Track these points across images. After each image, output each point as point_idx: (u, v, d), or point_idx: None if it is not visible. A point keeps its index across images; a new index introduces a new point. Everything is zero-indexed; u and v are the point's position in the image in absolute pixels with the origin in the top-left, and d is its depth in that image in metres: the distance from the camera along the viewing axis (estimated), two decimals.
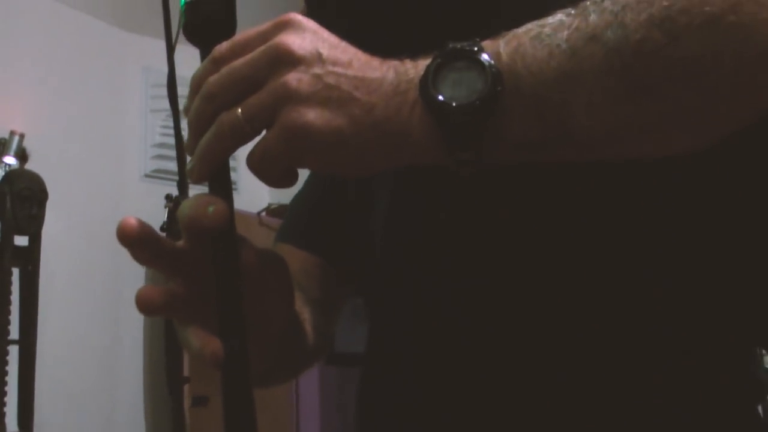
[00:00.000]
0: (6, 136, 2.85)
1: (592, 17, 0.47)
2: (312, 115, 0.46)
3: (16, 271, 2.60)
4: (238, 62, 0.48)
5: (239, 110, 0.47)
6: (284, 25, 0.49)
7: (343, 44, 0.49)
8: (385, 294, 0.68)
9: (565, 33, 0.47)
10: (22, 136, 2.86)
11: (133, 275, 2.79)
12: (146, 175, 3.46)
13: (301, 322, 0.65)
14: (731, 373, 0.59)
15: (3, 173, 2.73)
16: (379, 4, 0.63)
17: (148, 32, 3.42)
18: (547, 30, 0.47)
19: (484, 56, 0.47)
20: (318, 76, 0.47)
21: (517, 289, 0.58)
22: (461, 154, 0.47)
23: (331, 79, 0.47)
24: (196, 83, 0.51)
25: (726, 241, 0.58)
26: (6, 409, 2.48)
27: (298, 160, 0.48)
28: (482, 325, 0.59)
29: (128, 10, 3.34)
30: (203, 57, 0.53)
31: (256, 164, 0.49)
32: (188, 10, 0.54)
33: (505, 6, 0.58)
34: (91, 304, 3.13)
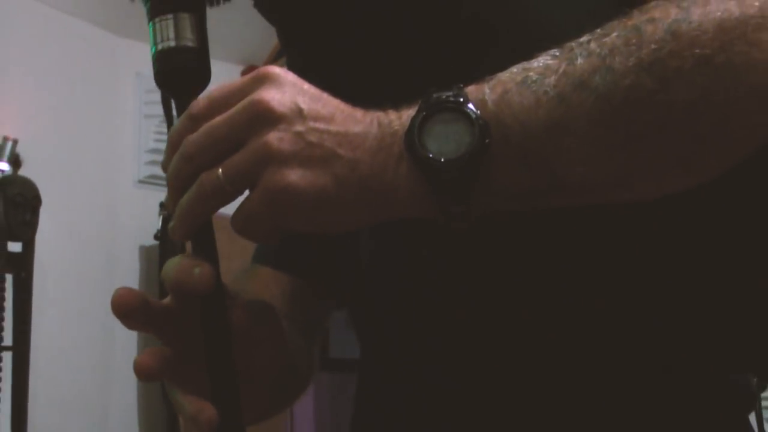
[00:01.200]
0: None
1: (579, 61, 0.45)
2: (295, 176, 0.45)
3: (9, 278, 2.58)
4: (216, 121, 0.47)
5: (220, 171, 0.46)
6: (262, 80, 0.47)
7: (325, 96, 0.48)
8: (373, 308, 0.67)
9: (553, 78, 0.45)
10: (15, 142, 2.85)
11: (127, 280, 2.78)
12: (140, 181, 3.45)
13: (291, 356, 0.65)
14: (723, 382, 0.59)
15: None
16: (369, 42, 0.61)
17: (141, 38, 3.41)
18: (533, 75, 0.46)
19: (470, 107, 0.45)
20: (299, 134, 0.45)
21: (503, 303, 0.58)
22: (451, 208, 0.46)
23: (313, 137, 0.45)
24: (174, 140, 0.49)
25: (720, 254, 0.57)
26: (0, 415, 2.47)
27: (282, 221, 0.47)
28: (474, 336, 0.59)
29: (122, 15, 3.33)
30: (177, 106, 0.52)
31: (240, 225, 0.47)
32: (159, 59, 0.53)
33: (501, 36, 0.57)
34: (84, 311, 3.11)
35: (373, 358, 0.68)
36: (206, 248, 0.52)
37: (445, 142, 0.45)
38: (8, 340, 2.53)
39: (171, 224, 0.50)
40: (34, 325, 2.63)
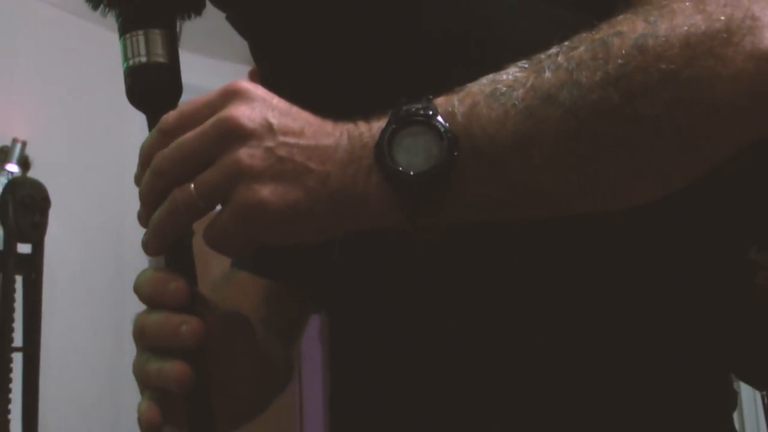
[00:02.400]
0: (8, 143, 2.85)
1: (547, 75, 0.46)
2: (266, 191, 0.45)
3: (19, 279, 2.59)
4: (187, 137, 0.47)
5: (192, 187, 0.46)
6: (232, 95, 0.47)
7: (294, 110, 0.48)
8: (343, 313, 0.67)
9: (521, 91, 0.46)
10: (24, 144, 2.86)
11: None
12: None
13: (268, 363, 0.64)
14: (709, 382, 0.59)
15: (5, 181, 2.73)
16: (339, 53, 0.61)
17: None
18: (502, 87, 0.46)
19: (439, 119, 0.46)
20: (270, 150, 0.46)
21: (480, 309, 0.57)
22: (420, 220, 0.46)
23: (283, 151, 0.46)
24: (145, 155, 0.50)
25: (708, 256, 0.57)
26: (11, 417, 2.48)
27: (255, 236, 0.47)
28: (449, 338, 0.58)
29: None
30: (149, 122, 0.52)
31: (213, 241, 0.48)
32: (130, 76, 0.53)
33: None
34: (94, 311, 3.12)
35: (344, 363, 0.68)
36: (181, 261, 0.52)
37: (414, 155, 0.45)
38: (18, 341, 2.54)
39: (143, 239, 0.50)
40: (44, 326, 2.64)
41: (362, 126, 0.48)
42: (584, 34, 0.48)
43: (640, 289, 0.56)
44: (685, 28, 0.45)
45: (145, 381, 0.52)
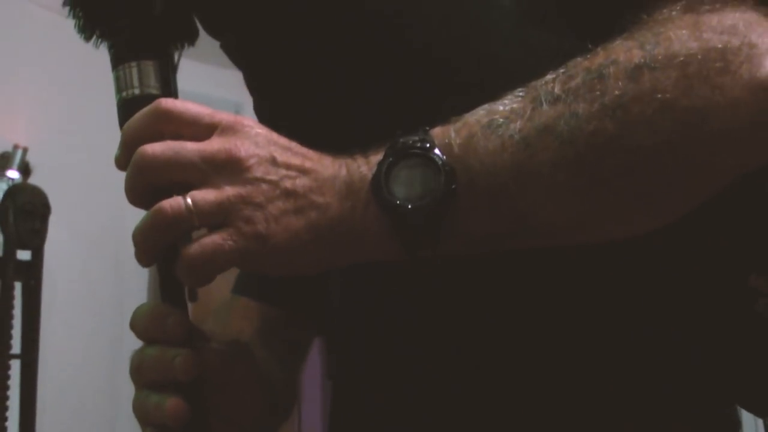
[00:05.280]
0: (9, 149, 2.85)
1: (544, 106, 0.46)
2: (270, 222, 0.46)
3: (18, 286, 2.59)
4: (189, 147, 0.47)
5: (189, 201, 0.46)
6: (237, 128, 0.48)
7: (294, 145, 0.49)
8: (345, 337, 0.67)
9: (518, 123, 0.46)
10: (25, 150, 2.86)
11: (136, 289, 2.78)
12: None
13: (269, 392, 0.64)
14: (712, 413, 0.58)
15: (6, 187, 2.73)
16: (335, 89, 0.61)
17: None
18: (498, 118, 0.46)
19: (436, 152, 0.46)
20: (274, 183, 0.46)
21: (477, 329, 0.57)
22: (418, 252, 0.47)
23: (287, 184, 0.46)
24: (132, 134, 0.49)
25: (708, 289, 0.57)
26: (8, 424, 2.47)
27: (251, 265, 0.47)
28: (447, 361, 0.58)
29: None
30: None
31: (199, 263, 0.46)
32: (123, 107, 0.53)
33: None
34: (93, 319, 3.12)
35: (347, 383, 0.68)
36: (174, 292, 0.52)
37: (411, 188, 0.46)
38: (17, 348, 2.54)
39: (135, 253, 0.50)
40: (43, 333, 2.64)
41: (360, 159, 0.48)
42: (580, 61, 0.48)
43: (638, 318, 0.56)
44: (681, 57, 0.45)
45: (144, 418, 0.52)
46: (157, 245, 0.48)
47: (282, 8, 0.59)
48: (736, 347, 0.57)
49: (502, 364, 0.56)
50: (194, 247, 0.46)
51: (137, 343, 0.52)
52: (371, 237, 0.47)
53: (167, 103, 0.49)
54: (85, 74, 3.44)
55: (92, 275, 3.15)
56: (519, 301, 0.56)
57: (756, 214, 0.55)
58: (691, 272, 0.57)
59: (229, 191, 0.46)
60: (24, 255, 2.62)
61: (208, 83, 3.09)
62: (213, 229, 0.46)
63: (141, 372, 0.51)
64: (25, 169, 2.88)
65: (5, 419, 2.46)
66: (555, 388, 0.55)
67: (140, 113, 0.49)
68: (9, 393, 2.49)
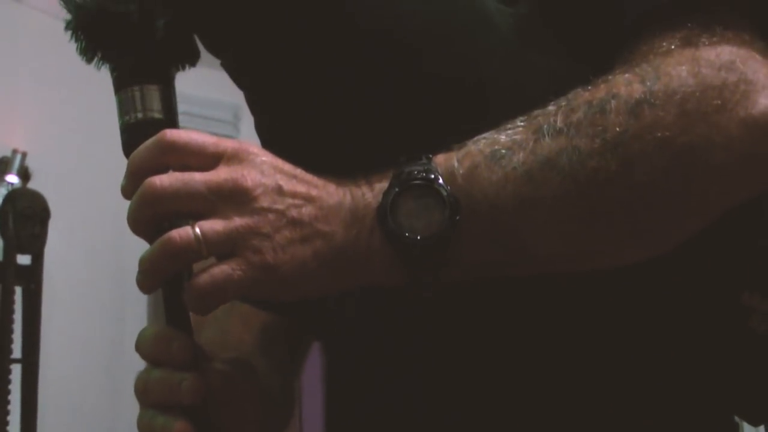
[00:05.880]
0: (8, 154, 2.85)
1: (546, 139, 0.47)
2: (278, 251, 0.47)
3: (18, 290, 2.59)
4: (196, 178, 0.48)
5: (198, 231, 0.47)
6: (243, 157, 0.48)
7: (299, 172, 0.49)
8: (341, 345, 0.68)
9: (521, 155, 0.47)
10: (24, 155, 2.86)
11: (136, 295, 2.76)
12: None
13: (271, 404, 0.65)
14: (710, 420, 0.59)
15: (5, 192, 2.73)
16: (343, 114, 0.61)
17: None
18: (501, 149, 0.47)
19: (440, 183, 0.47)
20: (281, 213, 0.47)
21: (472, 348, 0.58)
22: (421, 280, 0.48)
23: (293, 213, 0.47)
24: (138, 167, 0.49)
25: (702, 307, 0.58)
26: (9, 428, 2.47)
27: (260, 294, 0.48)
28: (443, 370, 0.58)
29: None
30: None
31: (208, 293, 0.47)
32: (126, 132, 0.54)
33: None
34: (93, 323, 3.12)
35: (341, 389, 0.68)
36: (180, 318, 0.52)
37: (416, 218, 0.47)
38: (17, 353, 2.54)
39: (137, 277, 0.50)
40: (43, 337, 2.64)
41: (364, 186, 0.49)
42: (581, 92, 0.49)
43: (635, 334, 0.57)
44: (680, 96, 0.47)
45: None
46: (165, 274, 0.49)
47: (283, 28, 0.59)
48: (730, 360, 0.58)
49: (501, 368, 0.57)
50: (204, 277, 0.47)
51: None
52: (376, 264, 0.48)
53: (172, 134, 0.49)
54: (85, 79, 3.44)
55: (92, 279, 3.15)
56: (516, 310, 0.57)
57: (745, 234, 0.57)
58: (685, 290, 0.58)
59: (237, 221, 0.47)
60: (24, 259, 2.63)
61: (207, 86, 3.09)
62: (221, 258, 0.47)
63: (147, 394, 0.52)
64: (24, 174, 2.88)
65: (6, 423, 2.47)
66: (549, 399, 0.56)
67: (145, 145, 0.50)
68: (10, 397, 2.49)
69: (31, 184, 2.86)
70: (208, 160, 0.48)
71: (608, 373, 0.56)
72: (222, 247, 0.47)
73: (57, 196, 2.80)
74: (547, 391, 0.56)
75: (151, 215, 0.49)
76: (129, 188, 0.50)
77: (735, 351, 0.58)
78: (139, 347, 0.52)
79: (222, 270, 0.47)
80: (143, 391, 0.52)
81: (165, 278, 0.50)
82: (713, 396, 0.59)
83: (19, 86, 3.08)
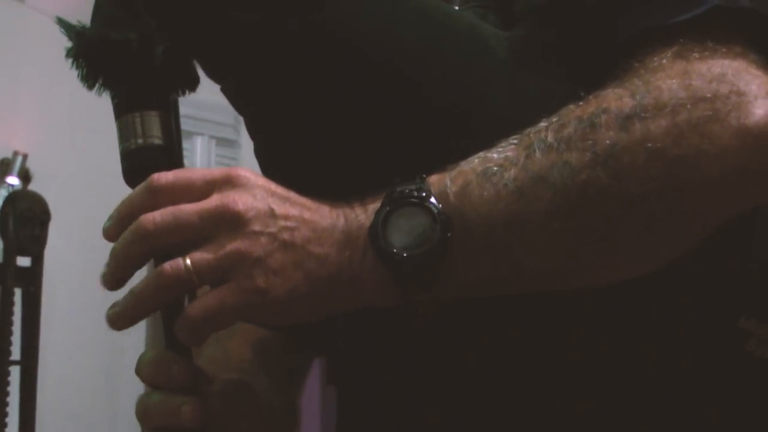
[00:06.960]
0: (9, 156, 2.86)
1: (537, 155, 0.47)
2: (270, 277, 0.46)
3: (18, 292, 2.59)
4: (186, 209, 0.48)
5: (189, 262, 0.47)
6: (234, 180, 0.49)
7: (292, 195, 0.49)
8: (346, 361, 0.68)
9: (513, 172, 0.47)
10: (25, 157, 2.86)
11: None
12: None
13: (272, 417, 0.65)
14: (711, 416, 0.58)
15: (6, 194, 2.73)
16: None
17: None
18: (493, 167, 0.47)
19: (432, 201, 0.47)
20: (273, 236, 0.47)
21: (475, 362, 0.57)
22: (414, 299, 0.48)
23: (285, 236, 0.47)
24: (127, 211, 0.50)
25: (699, 331, 0.57)
26: (7, 430, 2.47)
27: (252, 318, 0.49)
28: (449, 387, 0.58)
29: None
30: None
31: (200, 322, 0.48)
32: (126, 158, 0.54)
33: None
34: (93, 325, 3.11)
35: (349, 405, 0.68)
36: (181, 346, 0.52)
37: (408, 237, 0.47)
38: (16, 355, 2.53)
39: (113, 311, 0.51)
40: (43, 339, 2.63)
41: (358, 208, 0.49)
42: (572, 108, 0.49)
43: (630, 354, 0.56)
44: (670, 108, 0.46)
45: None
46: (158, 306, 0.50)
47: (283, 54, 0.59)
48: (727, 384, 0.58)
49: (501, 379, 0.57)
50: (196, 306, 0.47)
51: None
52: (369, 285, 0.48)
53: (159, 178, 0.49)
54: None
55: (92, 282, 3.13)
56: (514, 320, 0.56)
57: (741, 257, 0.56)
58: (682, 309, 0.57)
59: (228, 247, 0.47)
60: (24, 261, 2.62)
61: (207, 89, 3.09)
62: (214, 285, 0.47)
63: (148, 418, 0.53)
64: (25, 176, 2.88)
65: (5, 425, 2.46)
66: (548, 410, 0.56)
67: (135, 192, 0.50)
68: (8, 399, 2.48)
69: (32, 186, 2.86)
70: (200, 192, 0.49)
71: (607, 388, 0.56)
72: (213, 275, 0.47)
73: (57, 199, 2.80)
74: (546, 402, 0.55)
75: (145, 252, 0.49)
76: (114, 231, 0.51)
77: (732, 373, 0.57)
78: (139, 371, 0.53)
79: (214, 297, 0.47)
80: (144, 415, 0.53)
81: (152, 311, 0.50)
82: (711, 416, 0.59)
83: (20, 88, 3.08)
